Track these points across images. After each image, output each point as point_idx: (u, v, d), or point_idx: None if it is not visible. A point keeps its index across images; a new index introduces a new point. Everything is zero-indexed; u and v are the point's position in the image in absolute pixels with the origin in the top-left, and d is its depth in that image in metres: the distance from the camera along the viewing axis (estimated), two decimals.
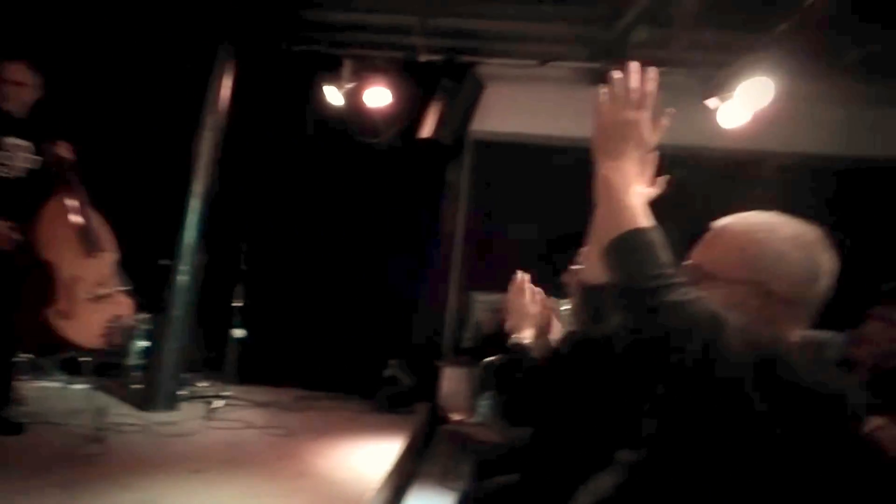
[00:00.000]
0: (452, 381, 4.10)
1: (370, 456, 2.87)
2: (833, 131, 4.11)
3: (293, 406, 3.69)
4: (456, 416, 3.84)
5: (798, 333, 1.02)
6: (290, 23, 4.12)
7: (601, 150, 1.05)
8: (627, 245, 0.97)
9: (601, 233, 1.01)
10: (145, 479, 2.30)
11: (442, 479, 2.64)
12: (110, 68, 4.11)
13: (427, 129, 4.16)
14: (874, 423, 1.52)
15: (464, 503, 1.95)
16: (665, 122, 1.07)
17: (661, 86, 1.04)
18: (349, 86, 4.14)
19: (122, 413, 3.09)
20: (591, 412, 1.40)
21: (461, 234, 4.57)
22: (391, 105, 4.12)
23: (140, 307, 3.23)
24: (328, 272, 4.29)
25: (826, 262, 1.00)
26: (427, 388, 4.05)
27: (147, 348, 3.61)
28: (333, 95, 4.15)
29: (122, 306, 3.04)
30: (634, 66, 1.05)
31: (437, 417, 3.84)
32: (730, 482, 0.94)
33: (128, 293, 3.08)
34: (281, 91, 4.31)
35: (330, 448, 3.00)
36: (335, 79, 4.13)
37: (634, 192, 1.01)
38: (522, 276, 1.88)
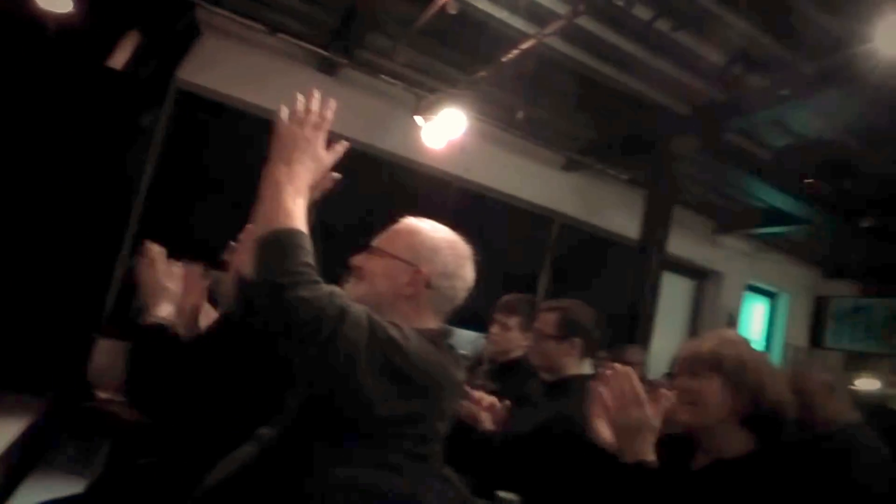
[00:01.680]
0: (106, 354, 3.56)
1: None
2: (500, 171, 5.02)
3: None
4: (104, 395, 3.35)
5: (433, 322, 1.21)
6: None
7: (277, 155, 1.14)
8: (277, 242, 1.05)
9: (259, 227, 1.08)
10: None
11: (73, 464, 2.29)
12: None
13: (118, 61, 3.54)
14: (478, 400, 1.81)
15: (96, 488, 1.74)
16: (340, 148, 1.22)
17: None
18: None
19: None
20: (234, 394, 1.41)
21: (144, 190, 4.02)
22: (72, 15, 3.36)
23: None
24: None
25: (468, 272, 1.25)
26: (75, 362, 3.42)
27: None
28: None
29: None
30: (317, 93, 1.19)
31: (82, 395, 3.28)
32: (346, 454, 1.06)
33: None
34: None
35: None
36: None
37: (298, 199, 1.11)
38: (152, 248, 1.74)
